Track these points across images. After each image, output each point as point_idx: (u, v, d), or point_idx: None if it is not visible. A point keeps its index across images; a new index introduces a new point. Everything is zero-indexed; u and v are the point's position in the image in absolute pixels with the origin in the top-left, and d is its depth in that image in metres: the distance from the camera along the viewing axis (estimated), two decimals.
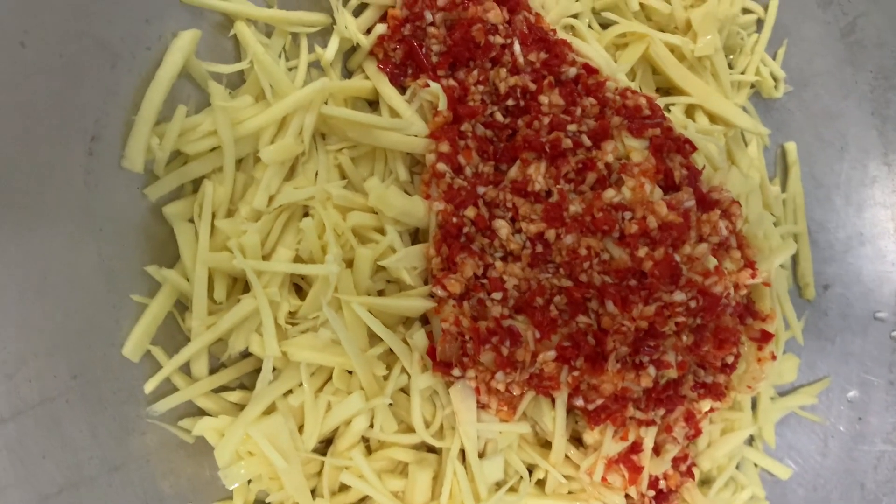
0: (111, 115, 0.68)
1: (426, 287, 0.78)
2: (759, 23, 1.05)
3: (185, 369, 0.74)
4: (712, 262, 0.80)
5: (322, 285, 0.73)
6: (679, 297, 0.77)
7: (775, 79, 1.05)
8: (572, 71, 0.85)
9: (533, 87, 0.83)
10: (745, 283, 0.84)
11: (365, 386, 0.74)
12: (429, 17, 0.82)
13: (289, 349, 0.73)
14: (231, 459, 0.71)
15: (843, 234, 1.08)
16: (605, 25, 0.96)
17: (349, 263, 0.76)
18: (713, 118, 0.96)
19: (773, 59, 1.06)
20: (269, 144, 0.75)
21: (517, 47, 0.84)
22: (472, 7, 0.83)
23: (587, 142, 0.81)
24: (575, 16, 0.93)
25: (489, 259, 0.78)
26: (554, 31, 0.88)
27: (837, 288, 1.08)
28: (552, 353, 0.75)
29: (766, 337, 0.87)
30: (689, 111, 0.96)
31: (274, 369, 0.74)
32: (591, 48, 0.88)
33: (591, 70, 0.86)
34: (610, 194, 0.78)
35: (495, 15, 0.83)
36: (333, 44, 0.81)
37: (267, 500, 0.75)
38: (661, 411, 0.82)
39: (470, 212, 0.78)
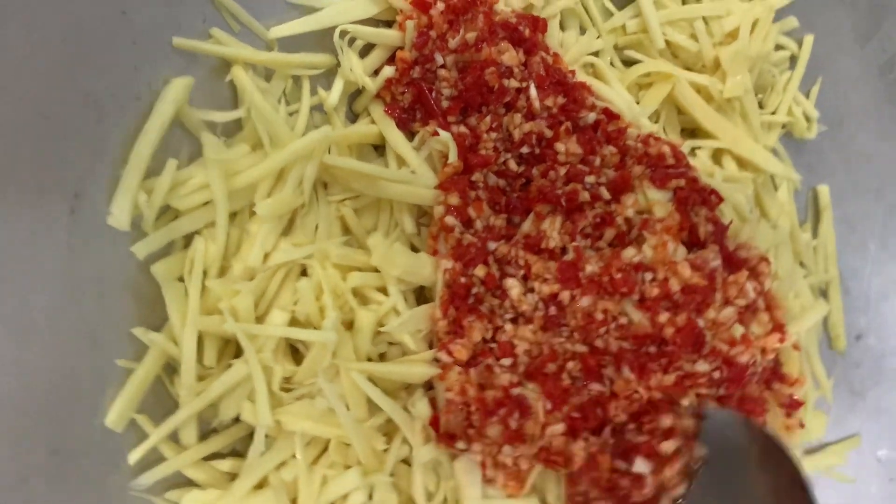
0: (96, 170, 0.64)
1: (430, 352, 0.73)
2: (793, 59, 0.99)
3: (174, 436, 0.70)
4: (739, 330, 0.74)
5: (319, 352, 0.68)
6: (702, 367, 0.71)
7: (808, 119, 0.99)
8: (591, 116, 0.80)
9: (549, 133, 0.78)
10: (773, 347, 0.78)
11: (363, 460, 0.69)
12: (439, 59, 0.77)
13: (283, 418, 0.68)
14: None
15: (877, 282, 1.02)
16: (627, 63, 0.91)
17: (348, 325, 0.71)
18: (742, 163, 0.91)
19: (807, 97, 1.00)
20: (266, 197, 0.70)
21: (533, 91, 0.79)
22: (485, 49, 0.78)
23: (606, 194, 0.76)
24: (596, 53, 0.88)
25: (499, 321, 0.73)
26: (573, 72, 0.83)
27: (870, 339, 1.02)
28: (560, 427, 0.70)
29: (794, 404, 0.81)
30: (717, 155, 0.91)
31: (267, 436, 0.70)
32: (613, 91, 0.83)
33: (611, 115, 0.81)
34: (630, 253, 0.73)
35: (510, 57, 0.78)
36: (338, 87, 0.76)
37: None
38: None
39: (480, 270, 0.73)
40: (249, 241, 0.70)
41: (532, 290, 0.74)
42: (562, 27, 0.88)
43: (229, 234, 0.70)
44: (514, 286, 0.73)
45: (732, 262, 0.78)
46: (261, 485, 0.69)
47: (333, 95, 0.76)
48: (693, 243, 0.77)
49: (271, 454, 0.69)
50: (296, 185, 0.70)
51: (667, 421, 0.70)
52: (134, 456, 0.67)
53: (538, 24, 0.81)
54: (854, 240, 1.02)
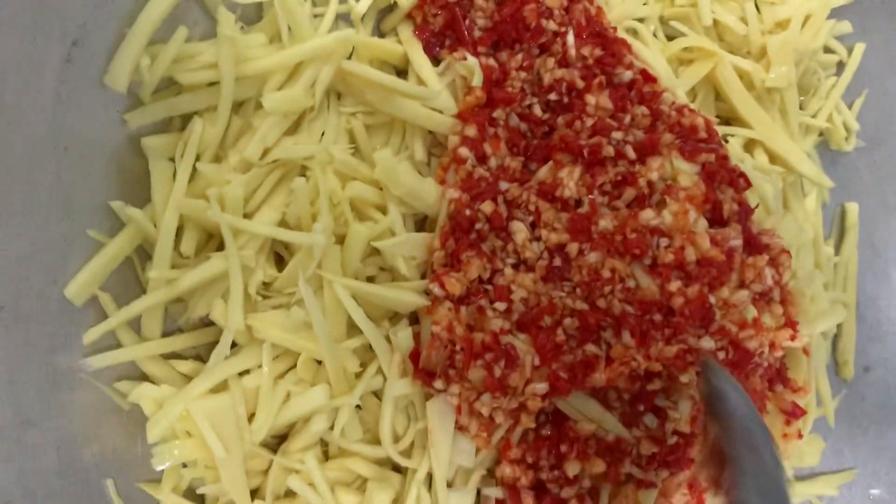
0: (100, 22, 0.60)
1: (422, 282, 0.68)
2: (841, 66, 0.95)
3: (136, 326, 0.65)
4: (752, 312, 0.69)
5: (304, 257, 0.63)
6: (707, 343, 0.67)
7: (847, 130, 0.95)
8: (627, 74, 0.76)
9: (581, 84, 0.74)
10: (783, 344, 0.73)
11: (332, 381, 0.64)
12: None
13: (254, 323, 0.63)
14: (164, 436, 0.62)
15: (895, 314, 0.97)
16: (671, 38, 0.87)
17: (340, 240, 0.66)
18: (773, 158, 0.86)
19: (849, 108, 0.95)
20: (276, 91, 0.66)
21: (570, 38, 0.75)
22: None
23: (631, 154, 0.72)
24: (640, 20, 0.84)
25: (499, 264, 0.69)
26: (614, 28, 0.79)
27: (879, 371, 0.97)
28: (543, 387, 0.65)
29: (796, 412, 0.76)
30: (749, 146, 0.86)
31: (235, 344, 0.65)
32: (653, 55, 0.79)
33: (648, 77, 0.77)
34: (648, 215, 0.69)
35: None
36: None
37: (198, 491, 0.65)
38: (665, 473, 0.71)
39: (487, 206, 0.68)
40: (251, 133, 0.66)
41: (539, 239, 0.69)
42: None
43: (231, 122, 0.66)
44: (520, 230, 0.69)
45: (754, 246, 0.73)
46: (220, 390, 0.64)
47: (362, 4, 0.72)
48: (715, 220, 0.73)
49: (236, 359, 0.64)
50: (308, 85, 0.66)
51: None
52: (90, 335, 0.62)
53: None
54: (877, 265, 0.97)
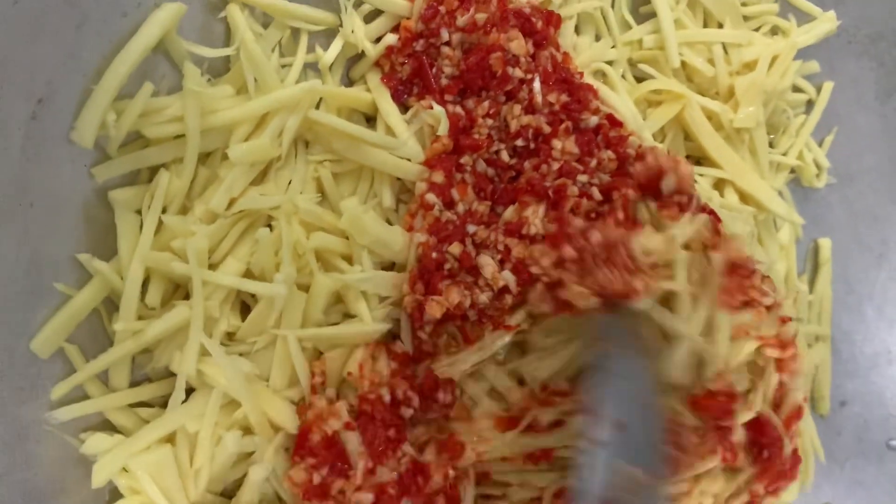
0: (67, 79, 0.60)
1: (387, 308, 0.69)
2: (810, 105, 0.96)
3: (103, 376, 0.65)
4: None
5: (265, 307, 0.64)
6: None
7: (818, 167, 0.96)
8: (593, 119, 0.77)
9: (548, 129, 0.75)
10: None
11: (256, 429, 0.65)
12: (445, 35, 0.74)
13: (206, 369, 0.63)
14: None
15: (869, 348, 0.98)
16: (640, 80, 0.88)
17: (305, 289, 0.67)
18: (744, 197, 0.87)
19: (819, 146, 0.96)
20: (242, 142, 0.67)
21: (537, 84, 0.76)
22: (494, 33, 0.75)
23: (597, 195, 0.73)
24: (609, 63, 0.85)
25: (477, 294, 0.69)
26: (581, 74, 0.80)
27: (855, 407, 0.97)
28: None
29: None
30: (719, 185, 0.87)
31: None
32: (619, 99, 0.80)
33: (614, 122, 0.78)
34: None
35: (518, 46, 0.75)
36: (336, 46, 0.73)
37: None
38: None
39: (455, 248, 0.69)
40: (217, 184, 0.66)
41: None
42: (577, 31, 0.85)
43: (197, 174, 0.66)
44: (488, 264, 0.69)
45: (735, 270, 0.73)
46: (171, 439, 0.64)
47: (330, 53, 0.73)
48: None
49: (187, 406, 0.64)
50: (275, 135, 0.67)
51: None
52: (58, 390, 0.62)
53: (552, 19, 0.79)
54: (851, 301, 0.98)
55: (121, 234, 0.64)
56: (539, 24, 0.78)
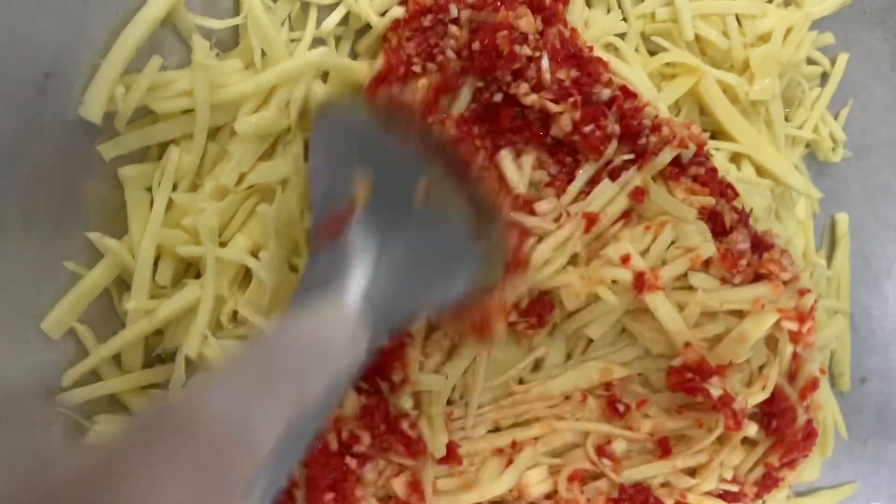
0: (75, 53, 0.59)
1: None
2: (825, 77, 0.94)
3: (115, 357, 0.64)
4: None
5: (257, 287, 0.63)
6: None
7: (834, 140, 0.94)
8: (606, 92, 0.75)
9: (554, 108, 0.73)
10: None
11: None
12: (454, 11, 0.73)
13: (207, 350, 0.62)
14: None
15: (889, 324, 0.96)
16: (653, 54, 0.86)
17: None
18: (760, 171, 0.86)
19: (835, 119, 0.95)
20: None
21: (545, 62, 0.73)
22: (503, 11, 0.73)
23: None
24: (621, 37, 0.84)
25: None
26: (590, 48, 0.78)
27: (876, 383, 0.96)
28: None
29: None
30: (735, 159, 0.86)
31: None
32: (632, 71, 0.79)
33: (628, 93, 0.76)
34: None
35: (527, 23, 0.73)
36: (337, 14, 0.71)
37: None
38: None
39: None
40: (226, 159, 0.65)
41: None
42: (588, 4, 0.84)
43: (207, 149, 0.65)
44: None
45: (760, 245, 0.72)
46: None
47: (331, 20, 0.71)
48: (718, 231, 0.72)
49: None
50: (282, 107, 0.66)
51: None
52: (71, 375, 0.61)
53: None
54: (869, 276, 0.96)
55: (131, 211, 0.63)
56: (548, 1, 0.76)
